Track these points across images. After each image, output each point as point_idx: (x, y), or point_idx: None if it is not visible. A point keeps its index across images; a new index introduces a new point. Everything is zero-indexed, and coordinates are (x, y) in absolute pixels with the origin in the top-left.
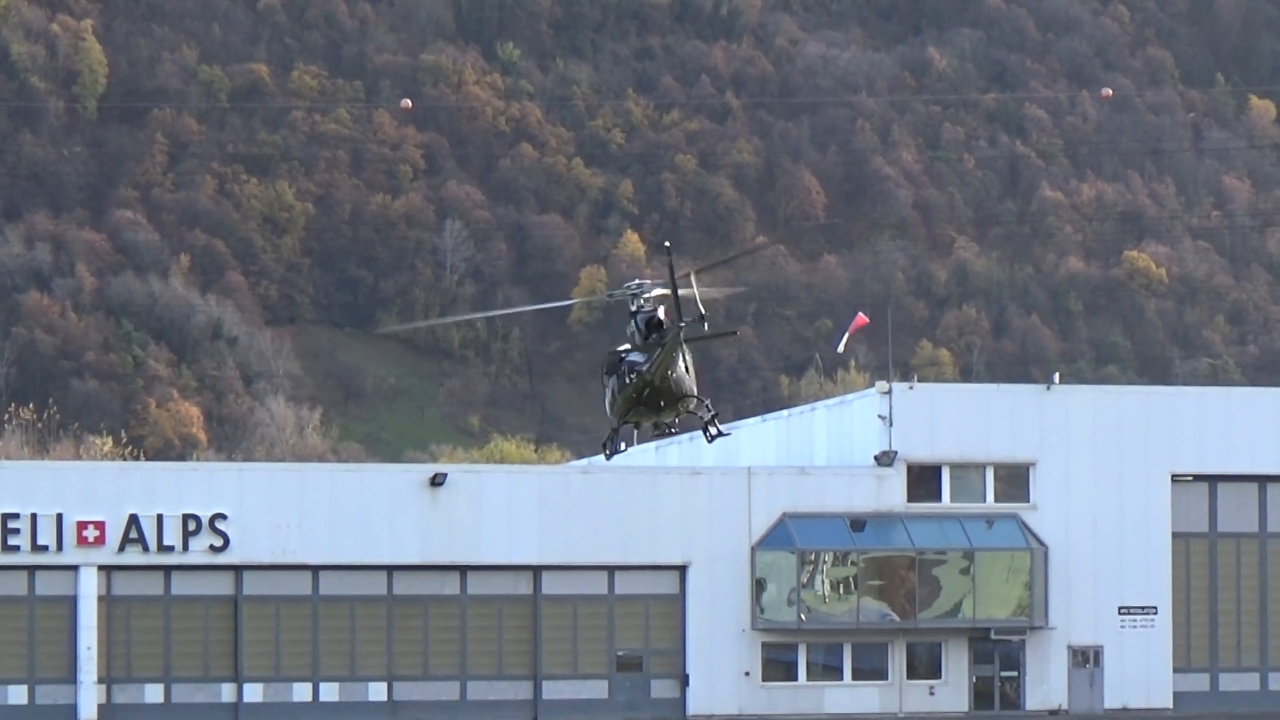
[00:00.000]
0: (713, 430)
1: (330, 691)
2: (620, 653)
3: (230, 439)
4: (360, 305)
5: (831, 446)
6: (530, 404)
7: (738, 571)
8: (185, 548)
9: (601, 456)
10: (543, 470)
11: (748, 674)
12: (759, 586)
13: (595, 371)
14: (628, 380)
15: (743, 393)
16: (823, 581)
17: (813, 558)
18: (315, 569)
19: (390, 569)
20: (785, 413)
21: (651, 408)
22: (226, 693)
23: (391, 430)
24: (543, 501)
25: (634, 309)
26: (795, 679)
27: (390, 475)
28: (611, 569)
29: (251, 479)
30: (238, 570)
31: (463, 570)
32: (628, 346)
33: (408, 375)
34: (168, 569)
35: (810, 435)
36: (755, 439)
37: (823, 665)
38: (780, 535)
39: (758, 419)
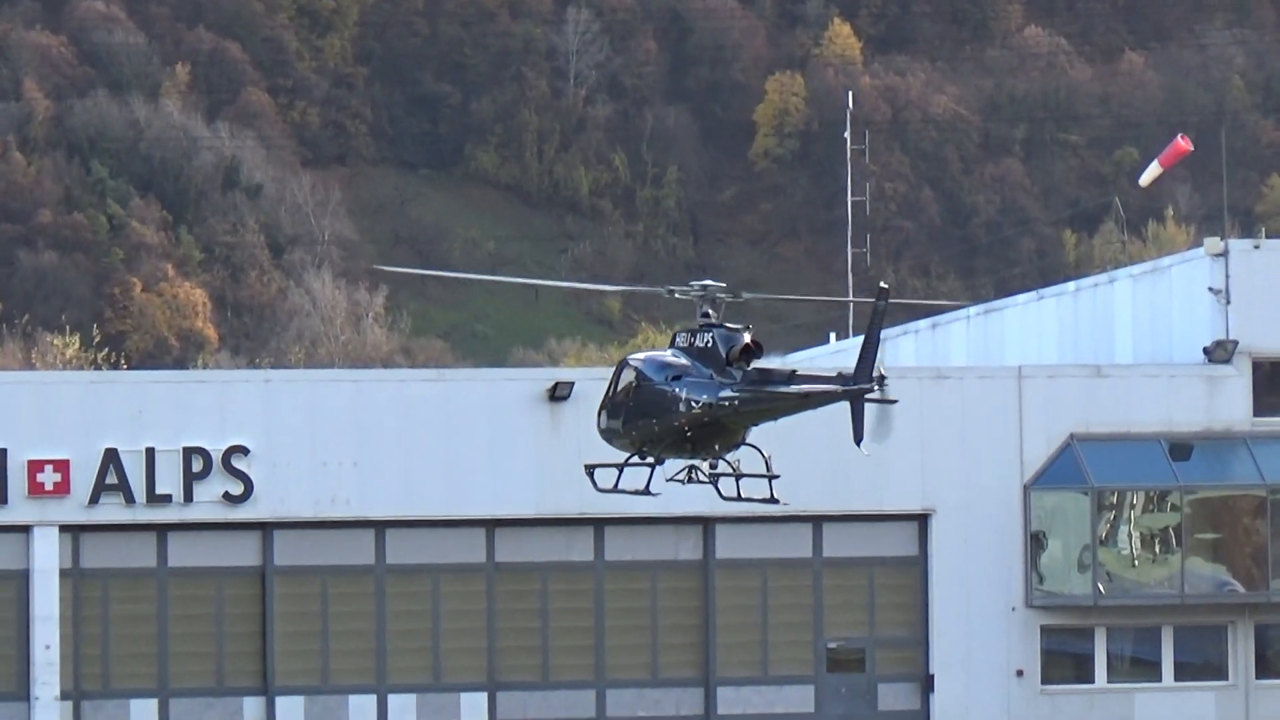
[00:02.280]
0: (763, 493)
1: (404, 706)
2: (832, 644)
3: (253, 336)
4: (442, 136)
5: (1140, 335)
6: (695, 277)
7: (1004, 522)
8: (188, 498)
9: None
10: None
11: (1020, 673)
12: (1036, 543)
13: (788, 230)
14: (684, 408)
15: (1007, 257)
16: (1130, 535)
17: (1115, 500)
18: (379, 526)
19: (491, 525)
20: (1072, 286)
21: (699, 447)
22: (251, 710)
23: (491, 320)
24: None
25: (704, 320)
26: (1090, 680)
27: (490, 387)
28: (818, 520)
29: (284, 395)
30: (266, 529)
31: (598, 525)
32: (660, 355)
33: (514, 238)
34: (162, 530)
35: (1109, 319)
36: (1028, 325)
37: (1131, 659)
38: (1067, 467)
39: (1030, 295)
